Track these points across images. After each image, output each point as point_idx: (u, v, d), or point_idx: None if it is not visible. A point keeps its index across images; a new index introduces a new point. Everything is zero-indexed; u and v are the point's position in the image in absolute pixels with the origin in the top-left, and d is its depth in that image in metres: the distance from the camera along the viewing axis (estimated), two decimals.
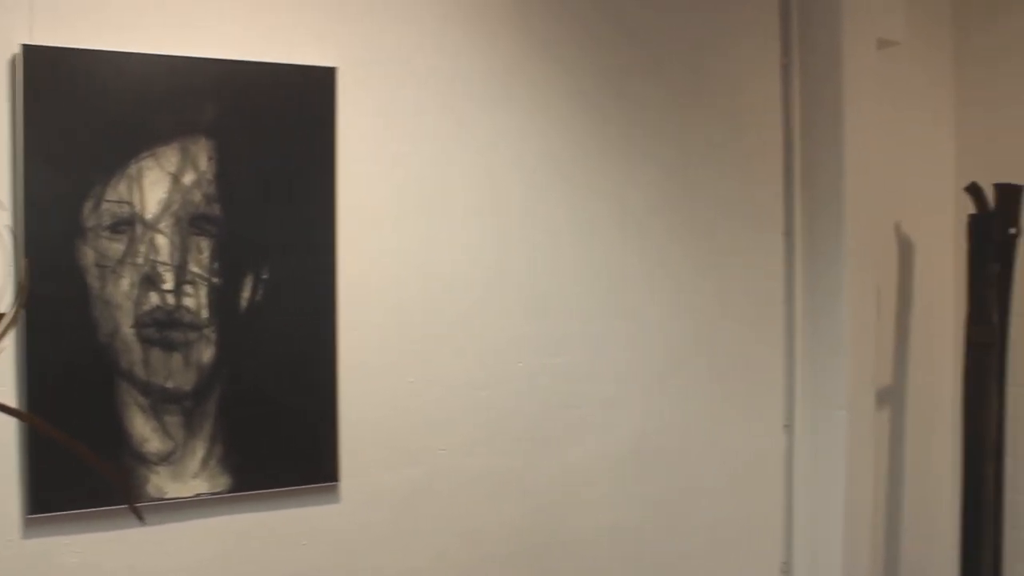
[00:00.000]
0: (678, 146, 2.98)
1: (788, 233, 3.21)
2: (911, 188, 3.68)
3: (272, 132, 2.39)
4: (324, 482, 2.47)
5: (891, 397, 3.63)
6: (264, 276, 2.37)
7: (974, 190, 3.33)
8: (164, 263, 2.26)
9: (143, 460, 2.25)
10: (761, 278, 3.17)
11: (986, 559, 3.33)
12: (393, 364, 2.54)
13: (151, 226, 2.25)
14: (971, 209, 3.38)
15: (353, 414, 2.48)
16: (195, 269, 2.29)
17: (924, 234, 3.70)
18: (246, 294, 2.35)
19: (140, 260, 2.24)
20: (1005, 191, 3.36)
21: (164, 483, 2.27)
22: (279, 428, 2.40)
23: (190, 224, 2.29)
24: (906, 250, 3.65)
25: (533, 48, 2.71)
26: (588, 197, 2.80)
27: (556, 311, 2.76)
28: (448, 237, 2.60)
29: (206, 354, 2.31)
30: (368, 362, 2.50)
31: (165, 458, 2.27)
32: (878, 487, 3.53)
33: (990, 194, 3.37)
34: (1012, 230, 3.36)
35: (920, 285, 3.70)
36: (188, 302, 2.29)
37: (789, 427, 3.23)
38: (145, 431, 2.25)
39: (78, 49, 2.16)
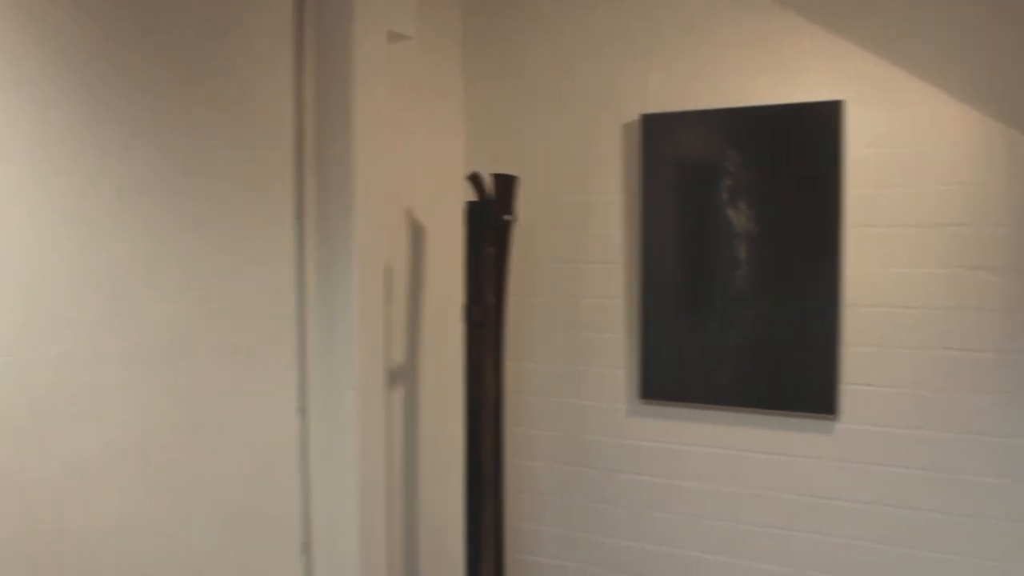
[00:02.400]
0: (185, 129, 2.89)
1: (299, 218, 3.25)
2: (423, 176, 3.88)
3: None
4: None
5: (405, 375, 3.81)
6: None
7: (474, 179, 3.57)
8: None
9: None
10: (272, 262, 3.17)
11: (487, 520, 3.61)
12: None
13: None
14: (475, 197, 3.63)
15: None
16: None
17: (435, 220, 3.92)
18: None
19: None
20: (502, 180, 3.64)
21: None
22: None
23: None
24: (418, 235, 3.84)
25: (18, 19, 2.49)
26: (83, 179, 2.63)
27: (49, 298, 2.57)
28: None
29: None
30: None
31: None
32: (394, 461, 3.70)
33: (491, 183, 3.64)
34: (508, 216, 3.65)
35: (431, 268, 3.91)
36: None
37: (302, 410, 3.28)
38: None
39: None
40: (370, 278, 3.27)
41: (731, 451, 3.73)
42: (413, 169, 3.79)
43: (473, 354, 3.58)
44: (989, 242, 3.27)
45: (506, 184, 3.65)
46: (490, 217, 3.57)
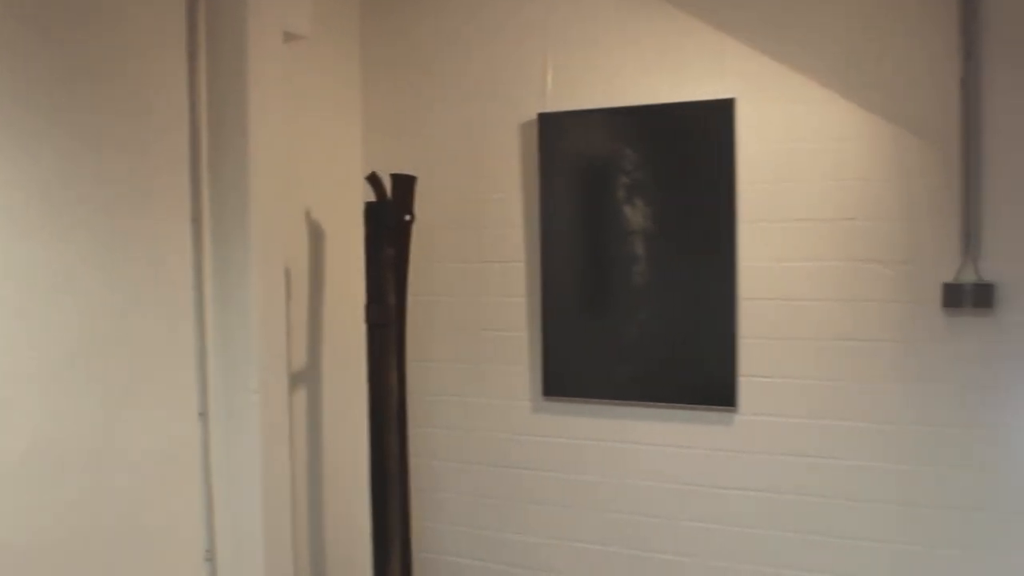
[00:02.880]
0: (75, 132, 2.79)
1: (196, 220, 3.18)
2: (321, 177, 3.85)
3: None
4: None
5: (308, 377, 3.78)
6: None
7: (373, 179, 3.56)
8: None
9: None
10: (169, 265, 3.10)
11: (393, 520, 3.60)
12: None
13: None
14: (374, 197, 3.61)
15: None
16: None
17: (335, 221, 3.89)
18: None
19: None
20: (400, 180, 3.64)
21: None
22: None
23: None
24: (317, 236, 3.81)
25: None
26: None
27: None
28: None
29: None
30: None
31: None
32: (298, 465, 3.66)
33: (390, 183, 3.63)
34: (407, 217, 3.65)
35: (332, 269, 3.88)
36: None
37: (204, 414, 3.22)
38: None
39: None
40: (269, 279, 3.23)
41: (634, 445, 3.79)
42: (311, 169, 3.76)
43: (375, 355, 3.57)
44: (879, 235, 3.39)
45: (405, 184, 3.65)
46: (389, 217, 3.57)
